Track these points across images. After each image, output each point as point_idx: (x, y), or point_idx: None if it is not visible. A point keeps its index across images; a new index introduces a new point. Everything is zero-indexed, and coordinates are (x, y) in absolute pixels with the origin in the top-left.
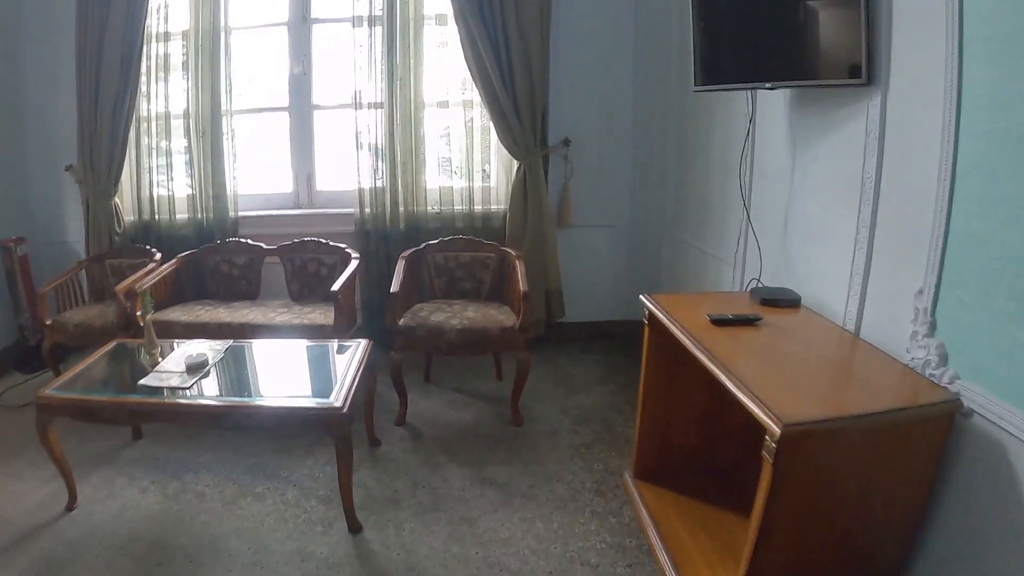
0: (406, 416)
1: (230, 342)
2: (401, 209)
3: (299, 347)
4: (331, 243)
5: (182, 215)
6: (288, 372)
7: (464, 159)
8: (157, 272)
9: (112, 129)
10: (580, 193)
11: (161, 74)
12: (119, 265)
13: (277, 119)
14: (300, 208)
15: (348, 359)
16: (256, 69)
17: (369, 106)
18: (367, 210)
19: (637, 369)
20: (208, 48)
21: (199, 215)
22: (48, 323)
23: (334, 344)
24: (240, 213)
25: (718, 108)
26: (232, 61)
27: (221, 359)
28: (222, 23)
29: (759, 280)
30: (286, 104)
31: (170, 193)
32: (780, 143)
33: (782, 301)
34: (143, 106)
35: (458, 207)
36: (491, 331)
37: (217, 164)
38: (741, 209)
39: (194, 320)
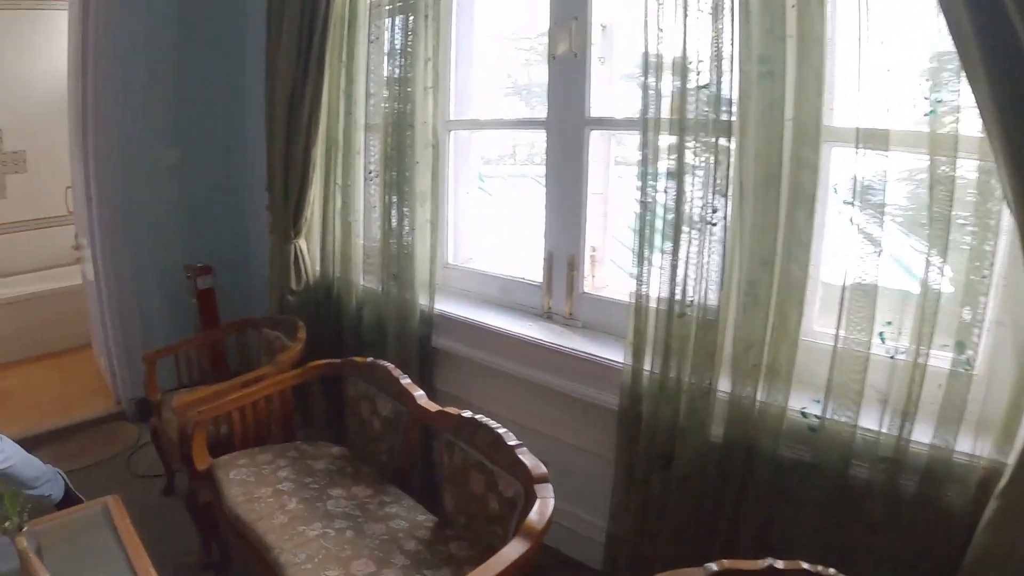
0: None
1: None
2: (727, 391)
3: None
4: (519, 451)
5: (369, 283)
6: None
7: (920, 300)
8: (248, 392)
9: (287, 140)
10: None
11: (344, 58)
12: (272, 339)
13: (526, 143)
14: (550, 322)
15: None
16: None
17: (675, 128)
18: (649, 372)
19: None
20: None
21: (381, 290)
22: (158, 399)
23: None
24: (440, 308)
25: None
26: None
27: None
28: None
29: None
30: (542, 116)
31: (346, 242)
32: None
33: None
34: (339, 110)
35: (869, 424)
36: None
37: (403, 210)
38: None
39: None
